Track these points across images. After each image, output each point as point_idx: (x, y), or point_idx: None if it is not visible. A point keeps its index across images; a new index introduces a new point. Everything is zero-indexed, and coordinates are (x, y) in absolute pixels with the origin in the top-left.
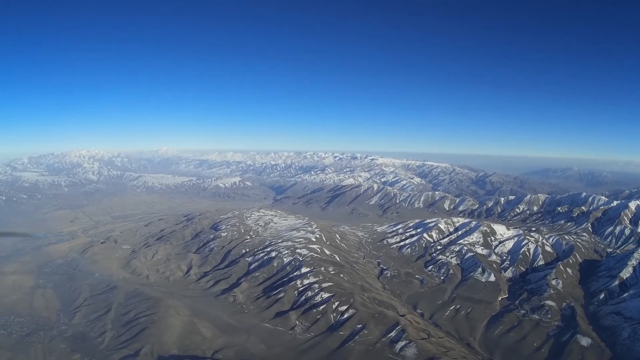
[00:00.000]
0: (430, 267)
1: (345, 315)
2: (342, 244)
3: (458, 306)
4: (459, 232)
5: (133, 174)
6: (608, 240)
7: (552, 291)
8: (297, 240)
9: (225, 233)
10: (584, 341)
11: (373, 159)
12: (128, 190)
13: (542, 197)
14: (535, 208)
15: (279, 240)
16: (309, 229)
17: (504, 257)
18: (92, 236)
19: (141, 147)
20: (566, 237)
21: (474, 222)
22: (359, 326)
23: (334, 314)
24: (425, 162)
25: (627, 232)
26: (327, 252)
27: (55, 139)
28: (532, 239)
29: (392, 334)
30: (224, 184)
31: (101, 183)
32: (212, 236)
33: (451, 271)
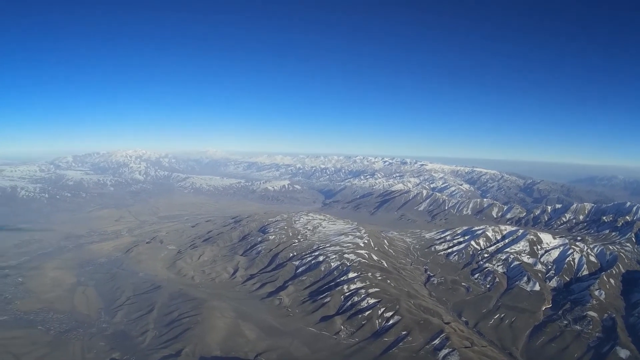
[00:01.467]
0: (476, 275)
1: (391, 322)
2: (390, 250)
3: (502, 315)
4: (506, 240)
5: (181, 174)
6: None
7: (594, 302)
8: (345, 245)
9: (273, 236)
10: (623, 353)
11: (422, 165)
12: (175, 191)
13: (587, 206)
14: (581, 217)
15: (327, 245)
16: (358, 234)
17: (549, 267)
18: (137, 236)
19: (189, 148)
20: (610, 247)
21: (520, 231)
22: (403, 333)
23: (379, 320)
24: (474, 169)
25: None
26: (375, 257)
27: (100, 138)
28: (577, 249)
29: (436, 341)
30: (273, 187)
31: (148, 183)
32: (259, 239)
33: (497, 279)
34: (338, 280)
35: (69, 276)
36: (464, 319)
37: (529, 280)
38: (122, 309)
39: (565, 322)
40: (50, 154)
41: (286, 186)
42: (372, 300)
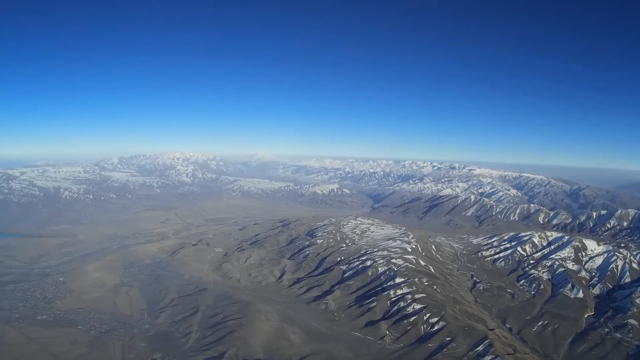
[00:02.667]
0: (522, 282)
1: (436, 327)
2: (437, 255)
3: (546, 322)
4: (552, 247)
5: (229, 177)
6: None
7: (635, 310)
8: (392, 250)
9: (321, 240)
10: None
11: (471, 170)
12: (223, 194)
13: (631, 212)
14: (625, 223)
15: (375, 250)
16: (405, 239)
17: (593, 274)
18: (184, 238)
19: (238, 151)
20: None
21: (566, 237)
22: (447, 339)
23: (424, 326)
24: (522, 174)
25: None
26: (422, 263)
27: (147, 141)
28: (620, 255)
29: (480, 348)
30: (322, 191)
31: (195, 185)
32: (307, 243)
33: (542, 286)
34: (385, 285)
35: (112, 277)
36: (508, 326)
37: (572, 287)
38: (166, 310)
39: (607, 329)
40: (95, 156)
41: (335, 190)
42: (418, 306)
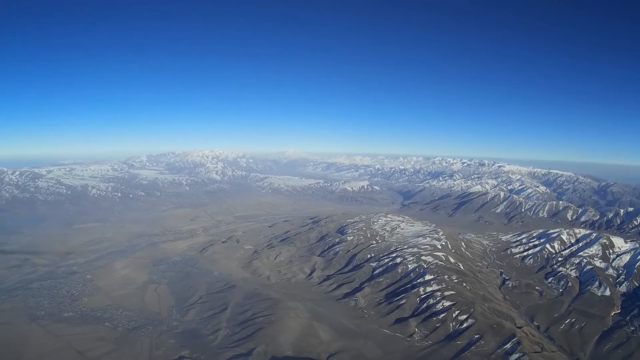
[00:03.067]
0: (550, 279)
1: (464, 325)
2: (466, 252)
3: (573, 320)
4: (580, 244)
5: (259, 175)
6: None
7: None
8: (422, 247)
9: (351, 237)
10: None
11: (500, 166)
12: (253, 191)
13: None
14: None
15: (405, 247)
16: (435, 236)
17: (620, 271)
18: (213, 235)
19: (268, 149)
20: None
21: (594, 234)
22: (476, 336)
23: (453, 323)
24: (550, 171)
25: None
26: (452, 260)
27: (175, 139)
28: None
29: (508, 345)
30: (352, 188)
31: (225, 183)
32: (337, 240)
33: (570, 284)
34: (414, 282)
35: (140, 274)
36: (536, 324)
37: (600, 285)
38: (195, 307)
39: (632, 328)
40: (124, 155)
41: (365, 187)
42: (447, 303)
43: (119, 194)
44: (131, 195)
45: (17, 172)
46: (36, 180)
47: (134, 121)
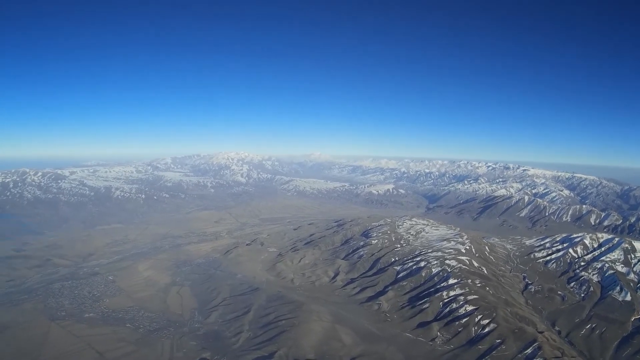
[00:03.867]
0: (572, 284)
1: (486, 329)
2: (490, 256)
3: (594, 325)
4: (602, 249)
5: (284, 177)
6: None
7: None
8: (446, 250)
9: (376, 241)
10: None
11: (525, 170)
12: (278, 194)
13: None
14: None
15: (429, 250)
16: (460, 239)
17: None
18: (237, 237)
19: (293, 151)
20: None
21: (616, 239)
22: (497, 341)
23: (476, 327)
24: (574, 175)
25: None
26: (476, 264)
27: (200, 142)
28: None
29: (529, 350)
30: (377, 191)
31: (250, 185)
32: (362, 243)
33: (591, 289)
34: (438, 286)
35: (163, 276)
36: (557, 328)
37: (621, 290)
38: (217, 309)
39: None
40: (148, 157)
41: (390, 190)
42: (470, 308)
43: (143, 196)
44: (155, 197)
45: (40, 173)
46: (59, 181)
47: (159, 123)
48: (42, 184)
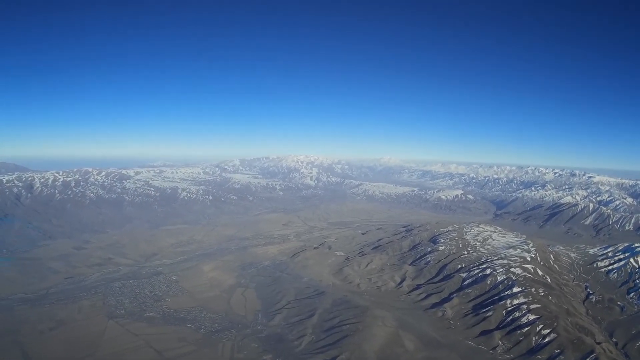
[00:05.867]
0: (632, 294)
1: (547, 339)
2: (554, 265)
3: None
4: None
5: (353, 181)
6: None
7: None
8: (512, 258)
9: (443, 247)
10: None
11: (590, 177)
12: (347, 198)
13: None
14: None
15: (495, 258)
16: (525, 247)
17: None
18: (305, 241)
19: (363, 155)
20: None
21: None
22: (557, 351)
23: (536, 337)
24: (637, 182)
25: None
26: (540, 272)
27: (269, 144)
28: None
29: None
30: (446, 197)
31: (319, 189)
32: (429, 249)
33: None
34: (502, 294)
35: (228, 277)
36: (615, 340)
37: None
38: (281, 312)
39: None
40: (215, 158)
41: (459, 196)
42: (532, 317)
43: (210, 197)
44: (223, 199)
45: (103, 173)
46: (123, 181)
47: (229, 126)
48: (106, 183)
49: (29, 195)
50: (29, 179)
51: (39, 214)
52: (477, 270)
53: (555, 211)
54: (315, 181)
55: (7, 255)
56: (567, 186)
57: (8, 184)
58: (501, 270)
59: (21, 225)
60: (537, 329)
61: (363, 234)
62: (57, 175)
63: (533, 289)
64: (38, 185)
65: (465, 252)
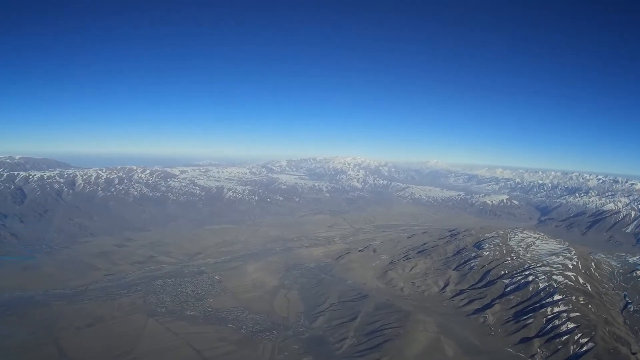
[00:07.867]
0: None
1: (584, 348)
2: (595, 273)
3: None
4: None
5: (400, 184)
6: None
7: None
8: (554, 265)
9: (487, 252)
10: None
11: (633, 184)
12: (393, 201)
13: None
14: None
15: (538, 265)
16: (568, 254)
17: None
18: (350, 243)
19: (410, 158)
20: None
21: None
22: None
23: (574, 346)
24: None
25: None
26: (581, 280)
27: (315, 146)
28: None
29: None
30: (492, 201)
31: (366, 191)
32: (473, 254)
33: None
34: (543, 302)
35: (272, 278)
36: None
37: None
38: (324, 314)
39: None
40: (262, 158)
41: (504, 201)
42: (571, 325)
43: (256, 198)
44: (269, 200)
45: (148, 171)
46: (168, 179)
47: (276, 126)
48: (150, 181)
49: (71, 191)
50: (71, 175)
51: (80, 211)
52: (520, 277)
53: (597, 218)
54: (362, 183)
55: (46, 251)
56: (610, 193)
57: (49, 180)
58: (543, 277)
59: (61, 221)
60: (576, 338)
61: (408, 237)
62: (100, 172)
63: (573, 297)
64: (80, 181)
65: (509, 258)
